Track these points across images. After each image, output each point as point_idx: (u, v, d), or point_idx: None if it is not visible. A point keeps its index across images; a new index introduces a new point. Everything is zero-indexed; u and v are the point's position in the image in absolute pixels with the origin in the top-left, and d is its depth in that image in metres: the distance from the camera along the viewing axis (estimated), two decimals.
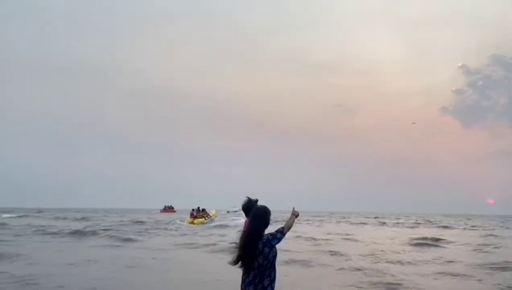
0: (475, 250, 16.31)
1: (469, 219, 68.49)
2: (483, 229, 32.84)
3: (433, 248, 16.55)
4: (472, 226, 37.57)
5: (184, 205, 74.91)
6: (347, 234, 23.10)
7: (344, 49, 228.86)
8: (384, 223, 39.87)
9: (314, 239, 18.80)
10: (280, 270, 3.52)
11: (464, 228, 34.33)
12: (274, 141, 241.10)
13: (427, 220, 52.03)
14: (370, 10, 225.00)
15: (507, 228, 36.47)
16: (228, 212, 64.93)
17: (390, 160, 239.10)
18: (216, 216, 36.36)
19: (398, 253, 14.40)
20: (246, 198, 3.35)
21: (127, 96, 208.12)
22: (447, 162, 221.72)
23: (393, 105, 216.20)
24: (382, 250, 14.86)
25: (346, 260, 12.23)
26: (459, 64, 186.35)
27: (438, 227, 36.03)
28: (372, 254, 13.59)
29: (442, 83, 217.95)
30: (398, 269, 10.76)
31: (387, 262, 12.06)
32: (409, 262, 12.01)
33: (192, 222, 31.06)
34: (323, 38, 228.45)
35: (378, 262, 11.98)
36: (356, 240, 19.45)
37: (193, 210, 33.13)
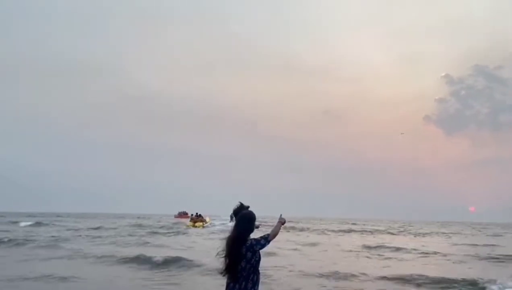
0: (413, 260, 15.34)
1: (445, 225, 68.20)
2: (446, 237, 32.10)
3: (370, 258, 15.57)
4: (443, 233, 36.76)
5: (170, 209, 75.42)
6: (298, 242, 22.03)
7: (333, 55, 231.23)
8: (351, 230, 38.83)
9: None
10: None
11: (423, 235, 33.57)
12: (263, 146, 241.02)
13: (400, 227, 51.28)
14: (359, 18, 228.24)
15: (473, 235, 35.85)
16: None
17: (375, 166, 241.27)
18: (210, 223, 40.91)
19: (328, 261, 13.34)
20: (239, 203, 3.32)
21: (122, 99, 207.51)
22: (430, 169, 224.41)
23: (379, 112, 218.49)
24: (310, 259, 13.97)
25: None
26: (443, 74, 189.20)
27: (401, 234, 35.18)
28: (293, 265, 12.50)
29: (426, 91, 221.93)
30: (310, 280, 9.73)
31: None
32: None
33: (193, 225, 37.44)
34: (312, 45, 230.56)
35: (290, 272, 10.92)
36: (299, 249, 18.50)
37: (192, 215, 41.12)
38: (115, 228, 32.91)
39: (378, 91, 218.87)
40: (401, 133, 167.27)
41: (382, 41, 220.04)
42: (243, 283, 3.12)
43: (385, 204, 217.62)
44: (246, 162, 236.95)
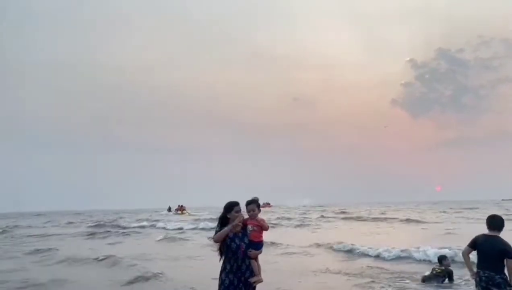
0: None
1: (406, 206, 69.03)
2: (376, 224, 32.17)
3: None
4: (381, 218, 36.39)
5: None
6: None
7: (302, 44, 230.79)
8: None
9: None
10: None
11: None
12: (234, 134, 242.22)
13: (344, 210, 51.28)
14: (327, 6, 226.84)
15: (410, 220, 36.04)
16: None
17: (345, 151, 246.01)
18: (188, 213, 51.06)
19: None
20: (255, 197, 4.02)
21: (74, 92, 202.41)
22: (398, 152, 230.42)
23: (348, 98, 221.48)
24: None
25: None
26: (408, 58, 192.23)
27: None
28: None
29: (393, 76, 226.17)
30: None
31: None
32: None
33: (181, 214, 49.63)
34: (282, 33, 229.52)
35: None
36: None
37: (178, 205, 53.75)
38: None
39: (345, 77, 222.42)
40: (385, 127, 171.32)
41: (348, 28, 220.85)
42: None
43: (353, 187, 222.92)
44: (216, 151, 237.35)
